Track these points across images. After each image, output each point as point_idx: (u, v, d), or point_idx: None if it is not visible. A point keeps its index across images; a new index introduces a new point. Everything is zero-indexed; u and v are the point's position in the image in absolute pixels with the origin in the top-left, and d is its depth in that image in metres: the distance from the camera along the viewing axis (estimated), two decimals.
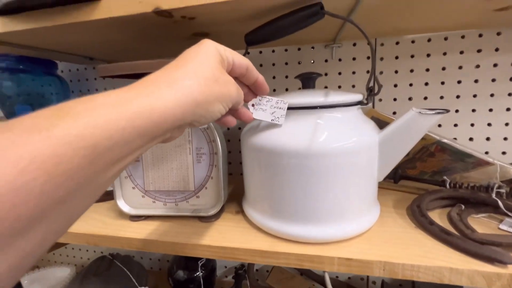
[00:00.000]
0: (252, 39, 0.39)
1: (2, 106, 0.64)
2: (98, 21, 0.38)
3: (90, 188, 0.17)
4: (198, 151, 0.41)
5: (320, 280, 0.61)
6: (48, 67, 0.68)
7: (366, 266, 0.32)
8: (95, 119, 0.16)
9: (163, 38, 0.51)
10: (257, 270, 0.71)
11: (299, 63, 0.61)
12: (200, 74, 0.22)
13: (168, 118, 0.20)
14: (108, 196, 0.55)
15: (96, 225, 0.44)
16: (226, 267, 0.74)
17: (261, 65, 0.63)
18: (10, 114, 0.65)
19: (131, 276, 0.62)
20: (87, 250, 0.88)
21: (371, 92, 0.36)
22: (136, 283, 0.61)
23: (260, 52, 0.63)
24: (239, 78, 0.30)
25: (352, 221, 0.35)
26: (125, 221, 0.45)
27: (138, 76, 0.42)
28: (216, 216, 0.43)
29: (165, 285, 0.66)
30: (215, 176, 0.41)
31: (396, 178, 0.52)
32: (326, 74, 0.60)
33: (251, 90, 0.33)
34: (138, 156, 0.20)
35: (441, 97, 0.56)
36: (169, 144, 0.42)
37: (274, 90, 0.63)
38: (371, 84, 0.36)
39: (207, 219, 0.43)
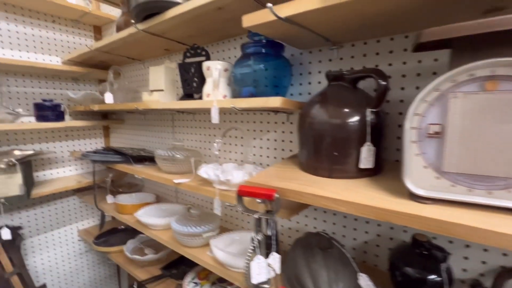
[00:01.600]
0: None
1: (257, 85, 0.75)
2: None
3: None
4: None
5: None
6: (279, 51, 0.74)
7: None
8: None
9: (455, 10, 0.45)
10: None
11: None
12: None
13: None
14: (362, 172, 0.53)
15: (378, 201, 0.43)
16: None
17: None
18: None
19: (351, 260, 0.61)
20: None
21: None
22: (356, 268, 0.60)
23: None
24: None
25: None
26: (404, 200, 0.42)
27: (466, 41, 0.35)
28: None
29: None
30: None
31: None
32: None
33: None
34: None
35: None
36: (490, 119, 0.35)
37: None
38: None
39: None
